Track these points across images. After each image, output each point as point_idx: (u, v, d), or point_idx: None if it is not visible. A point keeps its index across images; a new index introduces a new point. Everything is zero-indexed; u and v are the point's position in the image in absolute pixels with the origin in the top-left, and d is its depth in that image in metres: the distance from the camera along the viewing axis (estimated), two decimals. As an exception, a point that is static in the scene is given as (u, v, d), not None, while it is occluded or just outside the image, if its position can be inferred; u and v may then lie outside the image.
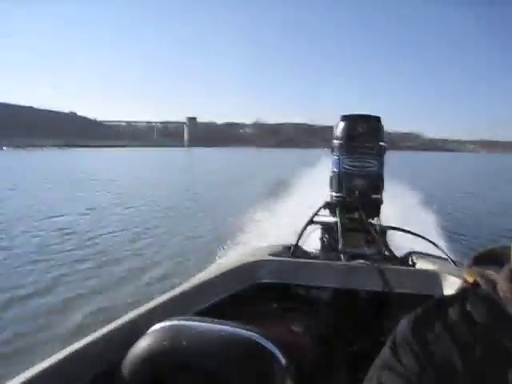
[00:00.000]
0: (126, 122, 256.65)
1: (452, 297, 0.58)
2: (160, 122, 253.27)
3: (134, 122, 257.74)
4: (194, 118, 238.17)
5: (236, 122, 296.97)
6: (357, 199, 2.37)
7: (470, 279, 0.57)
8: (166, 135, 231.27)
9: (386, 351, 0.57)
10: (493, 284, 0.53)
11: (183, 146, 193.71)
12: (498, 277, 0.53)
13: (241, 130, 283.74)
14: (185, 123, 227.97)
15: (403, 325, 0.57)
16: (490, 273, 0.55)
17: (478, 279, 0.55)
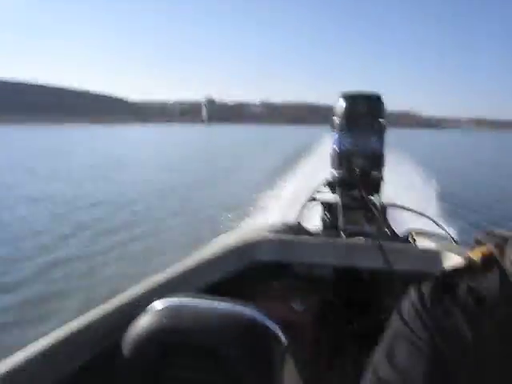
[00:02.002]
0: (151, 101, 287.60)
1: (459, 271, 0.55)
2: (180, 103, 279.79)
3: (158, 101, 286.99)
4: (213, 100, 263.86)
5: (246, 102, 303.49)
6: (357, 177, 2.24)
7: (475, 257, 0.55)
8: (185, 113, 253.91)
9: (396, 322, 0.55)
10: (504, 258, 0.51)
11: (202, 123, 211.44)
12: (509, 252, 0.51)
13: (251, 109, 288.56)
14: (204, 103, 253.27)
15: (412, 297, 0.54)
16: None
17: (494, 251, 0.53)
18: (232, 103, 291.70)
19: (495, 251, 0.53)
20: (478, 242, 0.56)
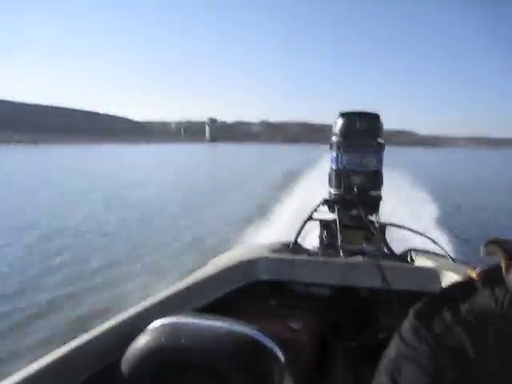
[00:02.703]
0: (157, 122, 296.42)
1: (457, 288, 0.55)
2: (183, 122, 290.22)
3: (161, 120, 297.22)
4: (215, 119, 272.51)
5: (245, 121, 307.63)
6: (355, 196, 2.20)
7: (474, 275, 0.54)
8: (189, 133, 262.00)
9: (396, 342, 0.54)
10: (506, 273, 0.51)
11: (205, 141, 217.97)
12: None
13: (250, 128, 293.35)
14: (206, 123, 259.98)
15: (413, 316, 0.54)
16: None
17: (502, 263, 0.52)
18: (232, 122, 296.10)
19: (504, 265, 0.52)
20: (490, 251, 0.54)
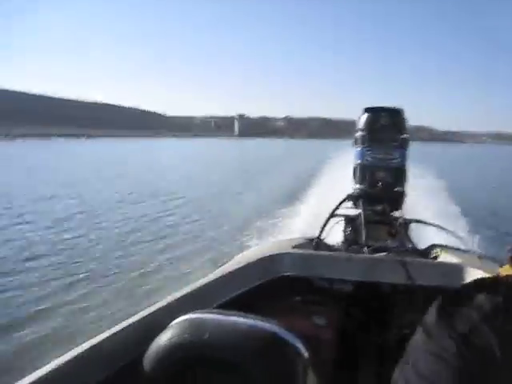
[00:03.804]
0: (188, 116, 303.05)
1: (483, 284, 0.53)
2: (213, 117, 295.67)
3: (192, 116, 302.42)
4: (243, 115, 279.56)
5: (270, 117, 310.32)
6: (380, 191, 2.15)
7: (505, 273, 0.53)
8: (219, 127, 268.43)
9: (420, 337, 0.53)
10: None
11: (234, 136, 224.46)
12: None
13: (275, 124, 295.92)
14: (235, 118, 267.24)
15: (437, 311, 0.53)
16: None
17: None
18: (257, 118, 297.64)
19: None
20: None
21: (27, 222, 9.96)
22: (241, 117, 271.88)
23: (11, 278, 6.20)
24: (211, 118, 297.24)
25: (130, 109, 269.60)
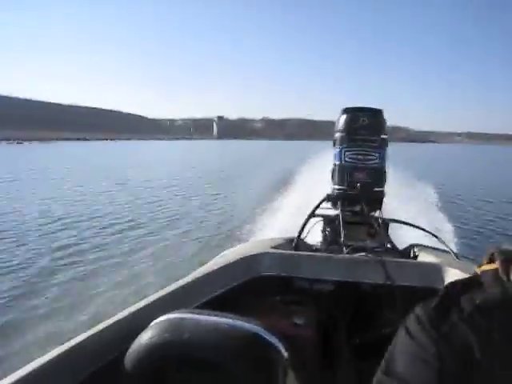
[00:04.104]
0: (165, 119, 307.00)
1: (462, 284, 0.53)
2: (194, 119, 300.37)
3: (172, 119, 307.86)
4: (222, 117, 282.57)
5: (248, 118, 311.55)
6: (359, 192, 2.13)
7: (479, 271, 0.53)
8: (197, 129, 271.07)
9: (402, 337, 0.52)
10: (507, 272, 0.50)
11: (213, 138, 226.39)
12: None
13: (253, 125, 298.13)
14: (214, 120, 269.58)
15: (418, 313, 0.52)
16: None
17: (499, 266, 0.51)
18: (235, 119, 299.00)
19: (500, 268, 0.51)
20: (491, 258, 0.54)
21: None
22: (219, 119, 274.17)
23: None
24: (191, 120, 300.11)
25: (111, 111, 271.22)
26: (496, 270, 0.51)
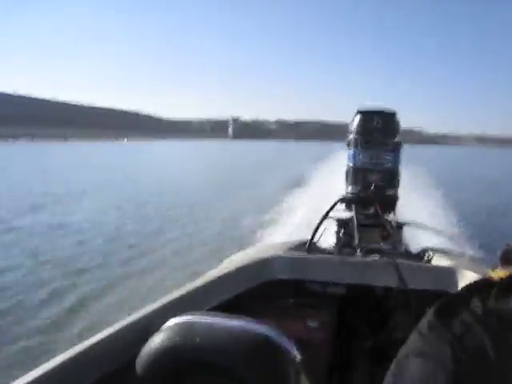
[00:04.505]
0: (185, 119, 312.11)
1: (477, 286, 0.52)
2: (208, 120, 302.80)
3: (189, 119, 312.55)
4: (237, 118, 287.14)
5: (262, 120, 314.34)
6: (372, 194, 2.10)
7: (496, 276, 0.52)
8: (214, 130, 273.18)
9: (414, 339, 0.52)
10: None
11: (228, 138, 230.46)
12: None
13: (267, 126, 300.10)
14: (229, 122, 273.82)
15: (432, 314, 0.51)
16: None
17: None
18: (250, 121, 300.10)
19: None
20: (507, 260, 0.53)
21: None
22: (235, 120, 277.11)
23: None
24: (207, 121, 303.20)
25: (131, 113, 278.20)
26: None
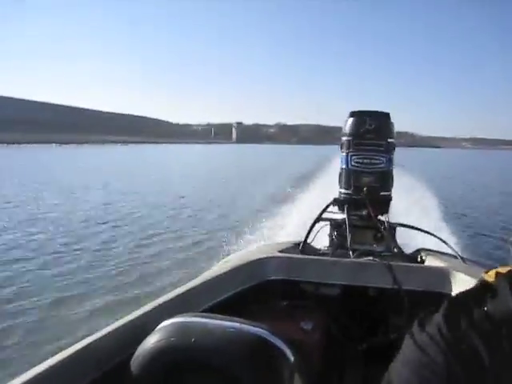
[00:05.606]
0: (189, 123, 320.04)
1: (472, 291, 0.51)
2: (213, 125, 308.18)
3: (194, 124, 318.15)
4: (241, 123, 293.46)
5: (263, 124, 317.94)
6: (365, 196, 2.05)
7: (489, 279, 0.51)
8: (218, 134, 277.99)
9: (409, 347, 0.50)
10: None
11: (232, 142, 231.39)
12: None
13: (268, 130, 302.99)
14: (233, 125, 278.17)
15: (424, 321, 0.50)
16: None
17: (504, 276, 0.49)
18: (250, 125, 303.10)
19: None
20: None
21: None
22: (238, 124, 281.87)
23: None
24: (211, 125, 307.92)
25: (138, 117, 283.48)
26: (506, 275, 0.49)
